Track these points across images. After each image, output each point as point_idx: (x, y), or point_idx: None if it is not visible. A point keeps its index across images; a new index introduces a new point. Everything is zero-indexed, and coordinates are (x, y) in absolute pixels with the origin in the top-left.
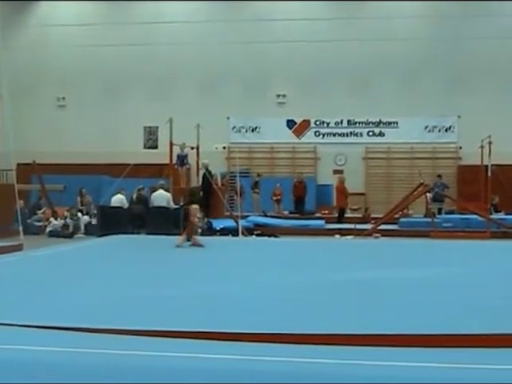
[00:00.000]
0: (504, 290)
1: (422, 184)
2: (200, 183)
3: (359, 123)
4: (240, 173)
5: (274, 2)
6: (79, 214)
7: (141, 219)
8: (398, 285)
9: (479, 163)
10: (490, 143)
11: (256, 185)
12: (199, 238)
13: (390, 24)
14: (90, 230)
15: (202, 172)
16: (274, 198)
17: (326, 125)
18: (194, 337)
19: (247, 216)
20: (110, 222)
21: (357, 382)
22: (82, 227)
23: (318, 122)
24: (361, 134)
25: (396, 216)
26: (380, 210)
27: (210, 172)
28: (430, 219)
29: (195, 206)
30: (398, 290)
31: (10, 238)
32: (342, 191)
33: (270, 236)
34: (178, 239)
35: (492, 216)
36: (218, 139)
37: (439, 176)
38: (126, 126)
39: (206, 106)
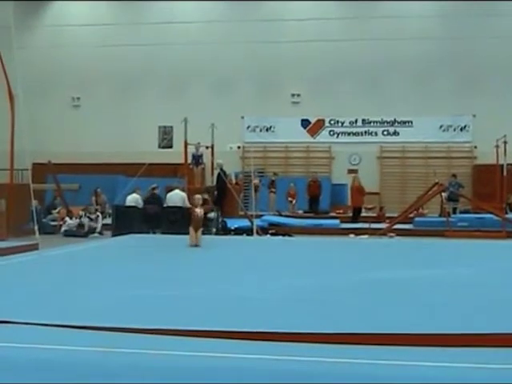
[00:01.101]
0: None
1: (436, 183)
2: (215, 183)
3: (374, 122)
4: (254, 172)
5: (288, 2)
6: (98, 213)
7: (156, 219)
8: (413, 284)
9: (494, 162)
10: (505, 142)
11: (272, 184)
12: (201, 236)
13: (405, 23)
14: (103, 230)
15: (216, 172)
16: (289, 199)
17: (340, 124)
18: (207, 336)
19: (262, 215)
20: (125, 222)
21: (370, 381)
22: (99, 227)
23: (332, 122)
24: (375, 134)
25: (411, 215)
26: (395, 210)
27: (224, 172)
28: (444, 219)
29: (198, 196)
30: (413, 289)
31: (26, 237)
32: (360, 190)
33: (284, 235)
34: (189, 238)
35: (508, 215)
36: (232, 139)
37: (454, 175)
38: (141, 126)
39: (220, 106)
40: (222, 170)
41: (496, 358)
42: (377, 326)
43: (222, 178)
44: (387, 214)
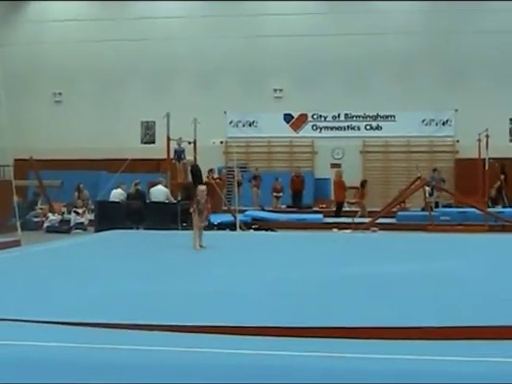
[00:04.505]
0: (500, 283)
1: (419, 178)
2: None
3: (356, 117)
4: (237, 167)
5: None
6: (84, 208)
7: (139, 214)
8: (396, 278)
9: (477, 156)
10: (487, 136)
11: (256, 179)
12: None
13: (387, 18)
14: (85, 225)
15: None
16: (275, 194)
17: (323, 119)
18: (191, 331)
19: (245, 210)
20: (108, 217)
21: (356, 375)
22: (86, 221)
23: (315, 116)
24: (358, 128)
25: (394, 210)
26: (377, 204)
27: (197, 166)
28: (427, 213)
29: (203, 188)
30: (396, 283)
31: (8, 233)
32: (341, 185)
33: (267, 230)
34: (194, 240)
35: (489, 209)
36: (215, 134)
37: (435, 170)
38: (124, 121)
39: (203, 101)
40: (192, 166)
41: (482, 351)
42: (360, 320)
43: (194, 174)
44: (370, 209)
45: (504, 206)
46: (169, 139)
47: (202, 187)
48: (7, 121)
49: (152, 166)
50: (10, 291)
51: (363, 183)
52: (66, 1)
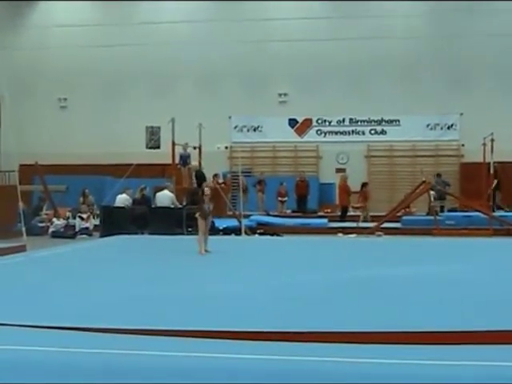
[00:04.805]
0: (506, 286)
1: (423, 182)
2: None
3: (361, 121)
4: (242, 172)
5: (274, 1)
6: (89, 215)
7: (143, 219)
8: (402, 283)
9: (481, 160)
10: (492, 140)
11: (260, 183)
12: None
13: (392, 22)
14: (90, 231)
15: (193, 174)
16: (280, 199)
17: (327, 123)
18: (196, 336)
19: (250, 215)
20: (113, 223)
21: (362, 379)
22: (91, 226)
23: (319, 121)
24: (363, 133)
25: (399, 214)
26: (382, 209)
27: (201, 172)
28: (432, 217)
29: (207, 188)
30: (402, 287)
31: (13, 238)
32: (345, 189)
33: (272, 235)
34: (199, 246)
35: (494, 213)
36: (220, 139)
37: (438, 175)
38: (128, 127)
39: (207, 106)
40: (196, 172)
41: (487, 355)
42: (365, 324)
43: (199, 178)
44: (375, 213)
45: (507, 210)
46: (174, 144)
47: (205, 187)
48: (12, 126)
49: (157, 171)
50: (15, 296)
51: (363, 185)
52: (72, 0)
